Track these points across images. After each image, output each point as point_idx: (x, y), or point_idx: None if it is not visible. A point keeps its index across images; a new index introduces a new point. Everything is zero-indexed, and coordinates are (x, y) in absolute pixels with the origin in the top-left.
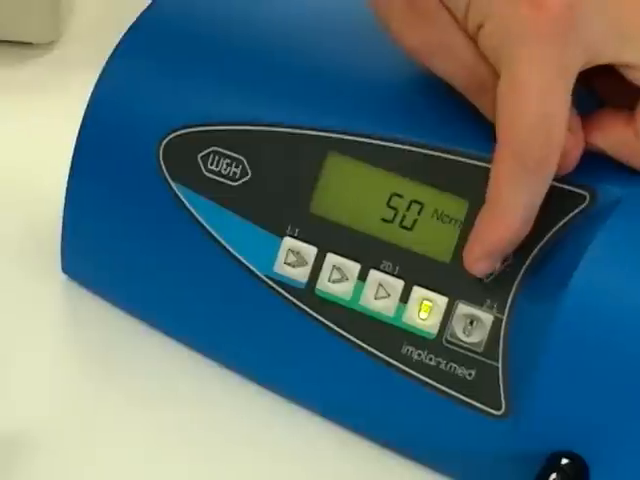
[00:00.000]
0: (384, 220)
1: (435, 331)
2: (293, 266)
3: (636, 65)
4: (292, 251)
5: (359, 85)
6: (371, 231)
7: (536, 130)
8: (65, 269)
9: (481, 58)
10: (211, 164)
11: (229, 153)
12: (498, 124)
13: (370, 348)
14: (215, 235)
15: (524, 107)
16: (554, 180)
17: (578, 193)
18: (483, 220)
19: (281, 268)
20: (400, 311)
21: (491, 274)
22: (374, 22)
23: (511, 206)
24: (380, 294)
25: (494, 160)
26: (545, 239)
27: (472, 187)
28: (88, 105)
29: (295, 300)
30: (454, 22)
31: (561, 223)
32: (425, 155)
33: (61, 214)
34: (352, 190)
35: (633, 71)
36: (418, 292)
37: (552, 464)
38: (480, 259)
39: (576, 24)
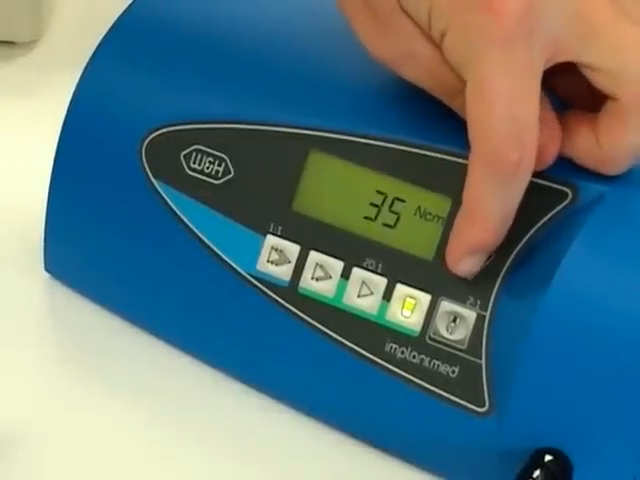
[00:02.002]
0: (367, 218)
1: (418, 328)
2: (276, 264)
3: (596, 67)
4: (275, 249)
5: (341, 83)
6: (354, 229)
7: (507, 134)
8: (48, 268)
9: (447, 65)
10: (193, 162)
11: (212, 151)
12: (469, 130)
13: (353, 346)
14: (198, 233)
15: (493, 112)
16: (536, 177)
17: (561, 190)
18: (461, 222)
19: (264, 266)
20: (383, 309)
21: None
22: None
23: (488, 210)
24: (363, 292)
25: (468, 165)
26: (528, 236)
27: (455, 184)
28: (70, 104)
29: (278, 298)
30: (418, 29)
31: (544, 220)
32: (407, 153)
33: (44, 214)
34: (334, 188)
35: (594, 72)
36: (401, 290)
37: (536, 461)
38: (462, 259)
39: (537, 24)
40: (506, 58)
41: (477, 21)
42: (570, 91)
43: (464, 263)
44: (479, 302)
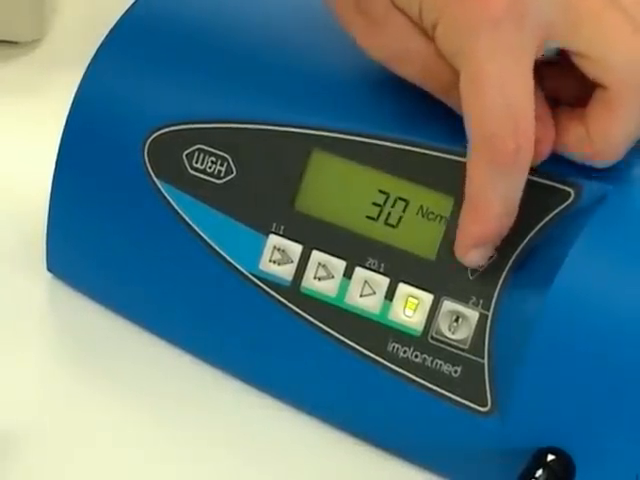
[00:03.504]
0: (369, 217)
1: (421, 328)
2: (278, 264)
3: (585, 54)
4: (277, 249)
5: (344, 82)
6: (356, 228)
7: (502, 121)
8: (51, 267)
9: (441, 58)
10: (196, 162)
11: (214, 151)
12: (465, 120)
13: (356, 345)
14: (200, 233)
15: (487, 100)
16: (539, 176)
17: (563, 189)
18: (466, 214)
19: (266, 266)
20: (386, 308)
21: (476, 270)
22: None
23: (490, 200)
24: (365, 291)
25: (468, 156)
26: (530, 235)
27: (458, 184)
28: (72, 104)
29: (280, 298)
30: (410, 24)
31: (546, 219)
32: (410, 152)
33: (47, 212)
34: (337, 187)
35: (582, 60)
36: (403, 289)
37: (538, 460)
38: (470, 250)
39: (526, 9)
40: (496, 42)
41: (466, 9)
42: (560, 90)
43: (472, 255)
44: (481, 302)
